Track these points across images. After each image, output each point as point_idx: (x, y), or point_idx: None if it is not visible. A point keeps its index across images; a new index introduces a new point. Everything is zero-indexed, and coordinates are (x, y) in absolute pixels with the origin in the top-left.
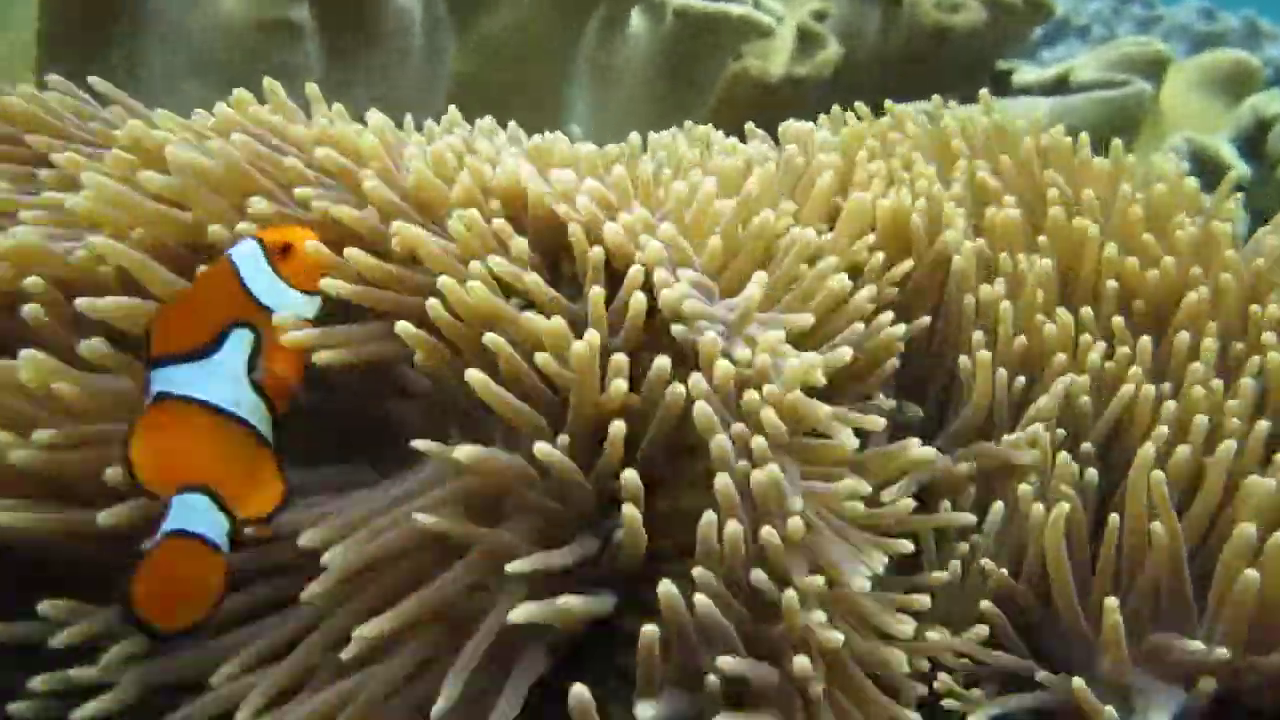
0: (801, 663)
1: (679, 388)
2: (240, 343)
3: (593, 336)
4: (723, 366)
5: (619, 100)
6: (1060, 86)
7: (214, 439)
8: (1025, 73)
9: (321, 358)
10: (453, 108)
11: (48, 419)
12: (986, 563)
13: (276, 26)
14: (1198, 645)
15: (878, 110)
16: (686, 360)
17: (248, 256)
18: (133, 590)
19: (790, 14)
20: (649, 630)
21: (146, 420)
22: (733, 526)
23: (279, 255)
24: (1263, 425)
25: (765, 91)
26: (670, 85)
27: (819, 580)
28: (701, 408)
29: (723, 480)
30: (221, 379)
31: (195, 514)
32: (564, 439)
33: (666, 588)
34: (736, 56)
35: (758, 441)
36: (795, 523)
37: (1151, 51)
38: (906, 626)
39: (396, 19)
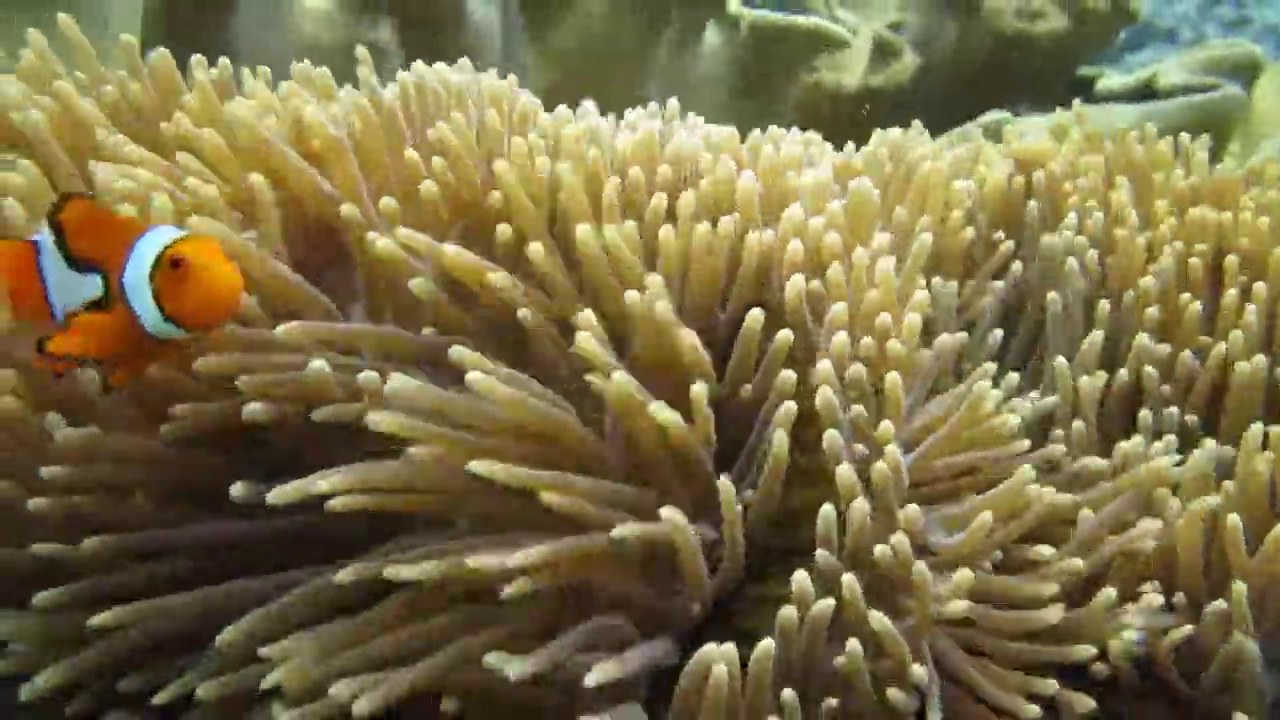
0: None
1: None
2: (88, 285)
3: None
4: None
5: (695, 111)
6: (1146, 92)
7: (26, 283)
8: (1109, 79)
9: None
10: None
11: None
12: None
13: (357, 44)
14: None
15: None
16: None
17: (151, 241)
18: None
19: (865, 25)
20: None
21: (14, 245)
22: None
23: (167, 265)
24: None
25: (841, 103)
26: (745, 98)
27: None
28: None
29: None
30: (66, 290)
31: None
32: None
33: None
34: (811, 69)
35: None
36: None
37: (1242, 53)
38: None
39: (476, 37)
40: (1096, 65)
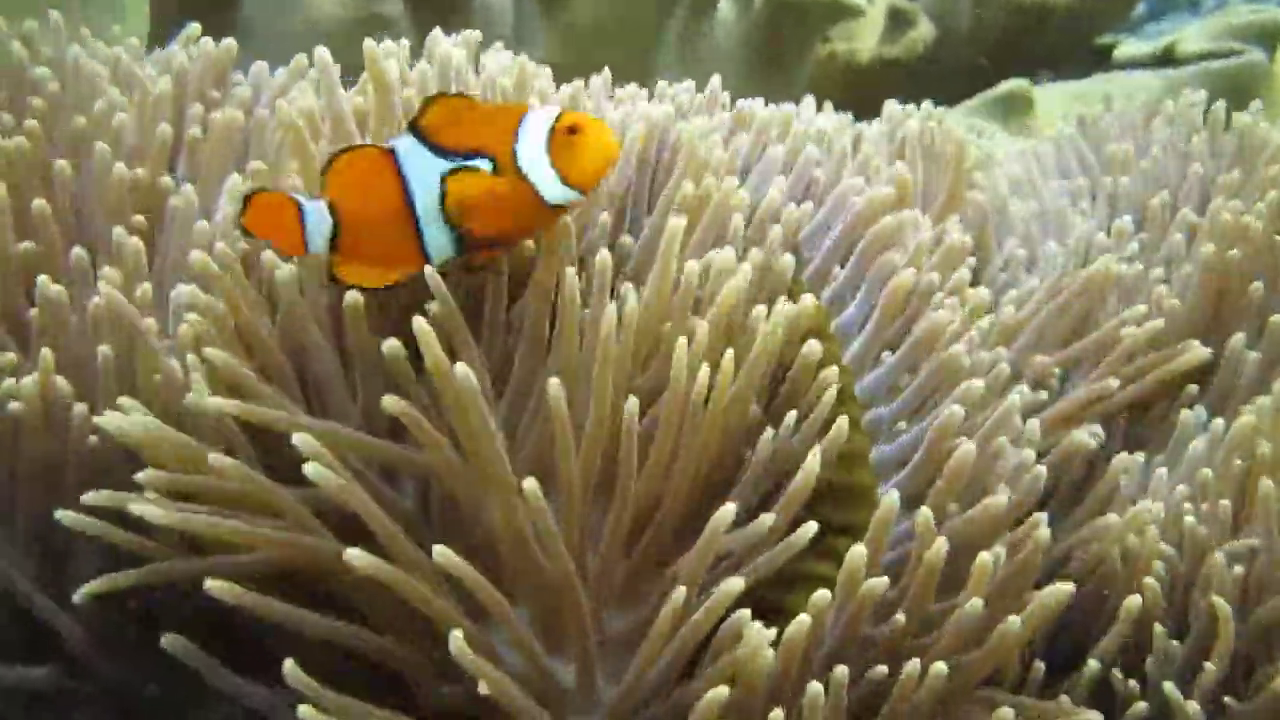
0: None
1: None
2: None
3: None
4: None
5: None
6: (1167, 60)
7: (388, 216)
8: (1129, 47)
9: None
10: None
11: None
12: None
13: (369, 22)
14: None
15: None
16: None
17: (539, 118)
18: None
19: None
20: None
21: (366, 150)
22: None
23: (564, 133)
24: None
25: (856, 73)
26: (760, 70)
27: None
28: None
29: None
30: (433, 174)
31: (314, 214)
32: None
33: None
34: (825, 40)
35: None
36: None
37: (1266, 18)
38: None
39: (486, 10)
40: (1116, 35)
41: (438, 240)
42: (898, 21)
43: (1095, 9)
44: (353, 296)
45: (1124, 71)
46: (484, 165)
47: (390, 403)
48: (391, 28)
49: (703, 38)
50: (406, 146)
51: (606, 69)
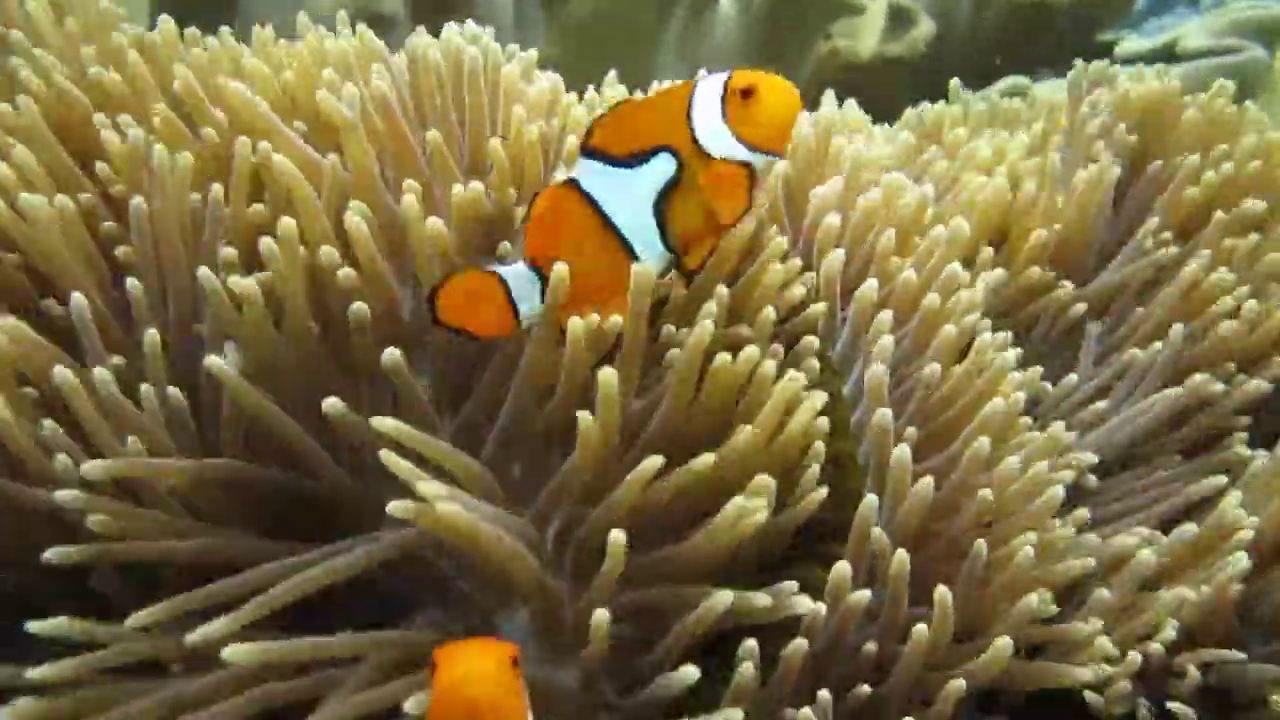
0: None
1: None
2: (658, 170)
3: None
4: None
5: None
6: (1167, 56)
7: (584, 238)
8: (1129, 43)
9: None
10: None
11: None
12: None
13: (369, 20)
14: None
15: (975, 86)
16: None
17: (707, 92)
18: (438, 290)
19: None
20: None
21: (549, 193)
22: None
23: (737, 98)
24: None
25: (857, 71)
26: (761, 66)
27: None
28: None
29: None
30: (627, 195)
31: (517, 278)
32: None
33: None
34: (826, 36)
35: None
36: None
37: (1266, 15)
38: None
39: (487, 7)
40: (1118, 32)
41: (653, 249)
42: (899, 19)
43: (1096, 5)
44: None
45: (1125, 68)
46: (667, 162)
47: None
48: (391, 26)
49: (703, 34)
50: (587, 172)
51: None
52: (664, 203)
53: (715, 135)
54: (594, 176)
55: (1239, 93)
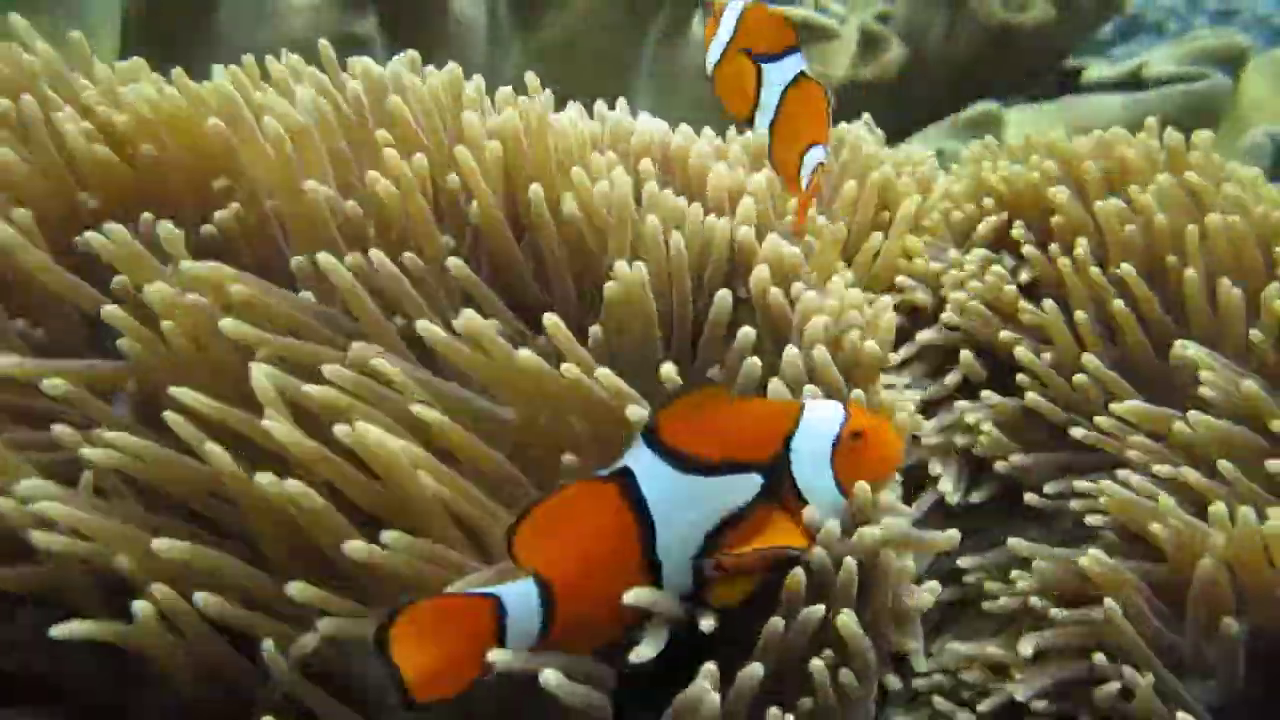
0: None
1: None
2: (741, 488)
3: None
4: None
5: (682, 106)
6: (1133, 82)
7: (613, 569)
8: (1096, 70)
9: None
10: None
11: None
12: None
13: (343, 40)
14: None
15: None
16: None
17: (822, 420)
18: (405, 609)
19: (853, 16)
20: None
21: (583, 487)
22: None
23: (849, 440)
24: None
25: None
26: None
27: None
28: None
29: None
30: (688, 508)
31: (521, 603)
32: None
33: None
34: None
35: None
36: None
37: (1229, 43)
38: None
39: (460, 31)
40: (1086, 57)
41: (676, 586)
42: (870, 44)
43: (1064, 30)
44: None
45: (1092, 94)
46: (751, 482)
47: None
48: (365, 46)
49: (676, 56)
50: (647, 468)
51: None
52: (721, 529)
53: (816, 477)
54: (654, 480)
55: (1202, 119)
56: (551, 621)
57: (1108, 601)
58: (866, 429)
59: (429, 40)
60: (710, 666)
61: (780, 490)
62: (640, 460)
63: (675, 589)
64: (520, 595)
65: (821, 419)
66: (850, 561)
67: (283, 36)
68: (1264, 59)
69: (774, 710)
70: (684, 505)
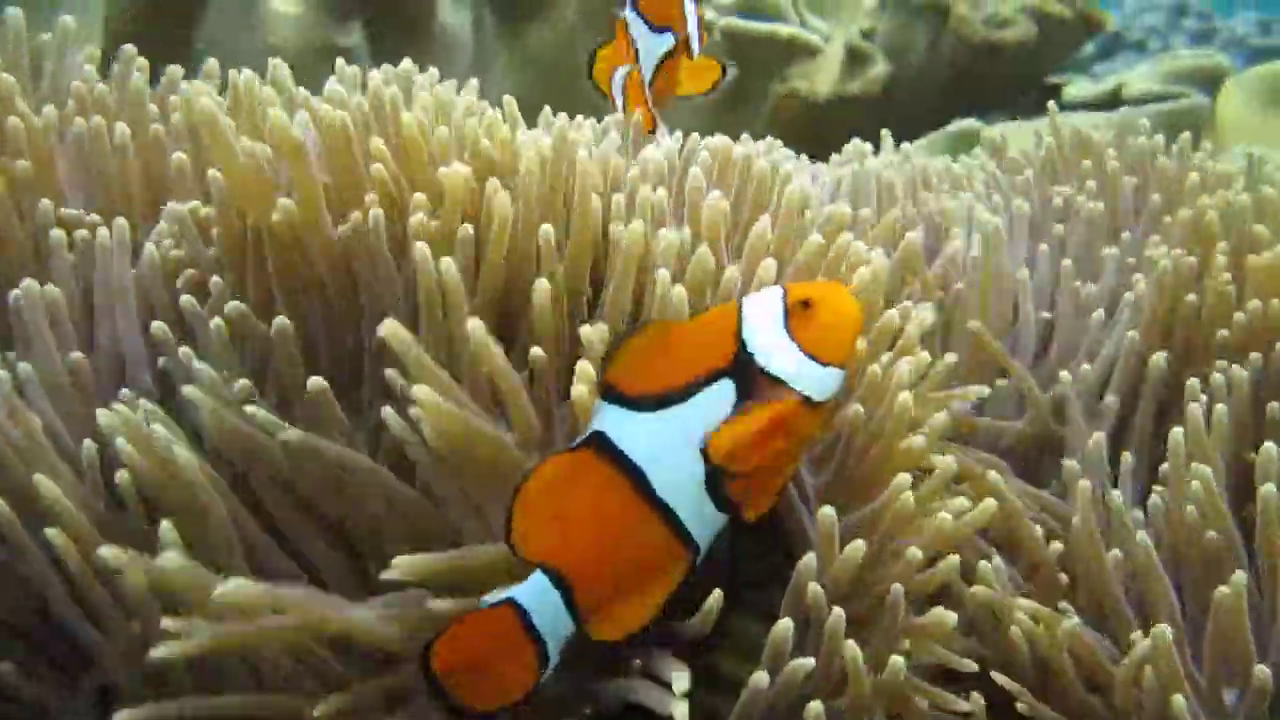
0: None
1: None
2: (715, 400)
3: None
4: None
5: (667, 119)
6: (1113, 100)
7: (620, 527)
8: (1077, 87)
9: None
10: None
11: None
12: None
13: (328, 51)
14: None
15: (929, 126)
16: None
17: (762, 306)
18: (435, 648)
19: (837, 32)
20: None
21: (558, 464)
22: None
23: (799, 310)
24: None
25: (814, 110)
26: (720, 104)
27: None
28: None
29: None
30: (673, 441)
31: (539, 599)
32: None
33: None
34: (784, 76)
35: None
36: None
37: (1208, 63)
38: None
39: (444, 40)
40: (1067, 74)
41: (700, 516)
42: (855, 61)
43: (1046, 48)
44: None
45: (1073, 111)
46: (725, 390)
47: None
48: (349, 58)
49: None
50: (615, 423)
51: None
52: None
53: (782, 355)
54: (625, 430)
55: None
56: (578, 608)
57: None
58: (811, 295)
59: (415, 50)
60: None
61: (754, 386)
62: (605, 419)
63: (704, 522)
64: (536, 592)
65: (761, 302)
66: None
67: (268, 45)
68: (1241, 78)
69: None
70: (669, 442)
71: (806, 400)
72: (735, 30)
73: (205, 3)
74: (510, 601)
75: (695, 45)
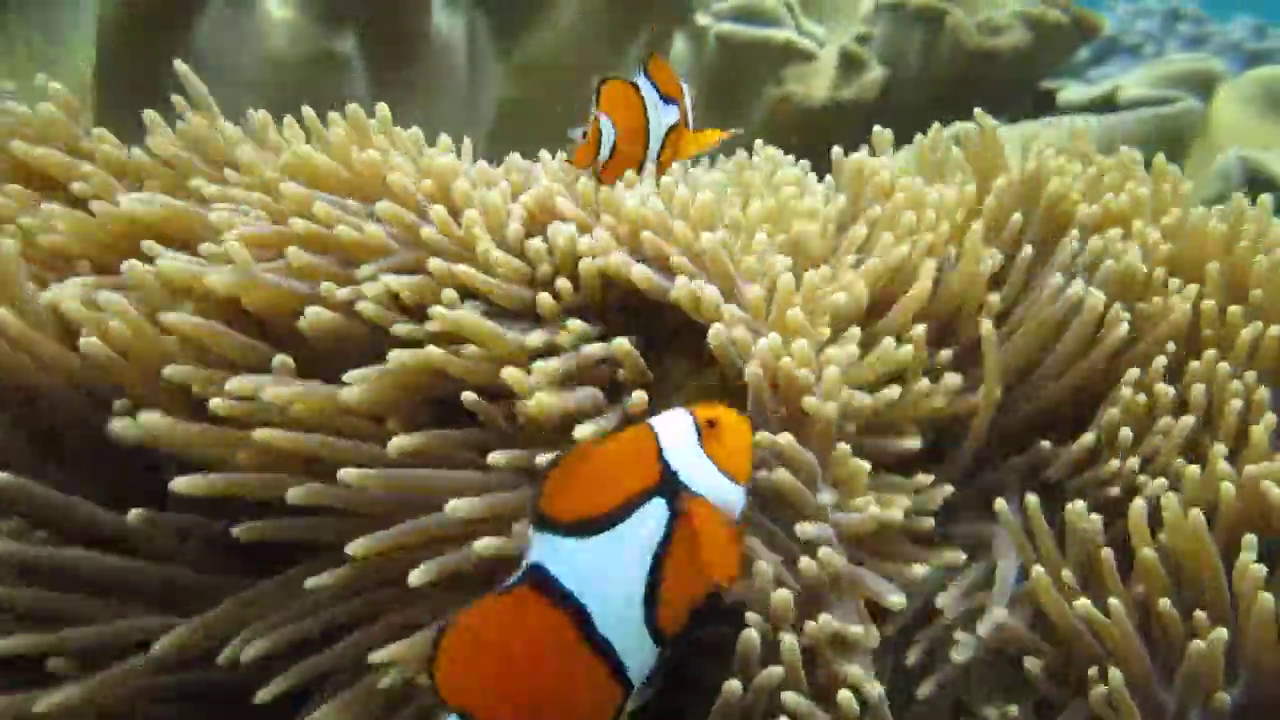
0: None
1: None
2: (650, 519)
3: None
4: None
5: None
6: (1107, 105)
7: (554, 672)
8: (1071, 91)
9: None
10: None
11: None
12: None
13: (322, 59)
14: None
15: (923, 131)
16: None
17: (673, 422)
18: None
19: (832, 38)
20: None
21: (496, 603)
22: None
23: (709, 430)
24: None
25: (809, 115)
26: (714, 111)
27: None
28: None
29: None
30: (614, 566)
31: None
32: None
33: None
34: (779, 81)
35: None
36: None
37: (1202, 67)
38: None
39: (439, 47)
40: (1062, 79)
41: (638, 650)
42: (849, 66)
43: (1040, 53)
44: None
45: (1067, 116)
46: (658, 509)
47: None
48: (344, 66)
49: None
50: (552, 552)
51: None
52: (656, 568)
53: (702, 470)
54: (564, 556)
55: (1172, 143)
56: None
57: (1114, 672)
58: (715, 416)
59: (409, 59)
60: None
61: (682, 504)
62: (542, 549)
63: (641, 657)
64: None
65: (671, 423)
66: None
67: (261, 52)
68: (1237, 82)
69: None
70: (608, 568)
71: (728, 518)
72: (730, 36)
73: (198, 8)
74: None
75: (691, 122)
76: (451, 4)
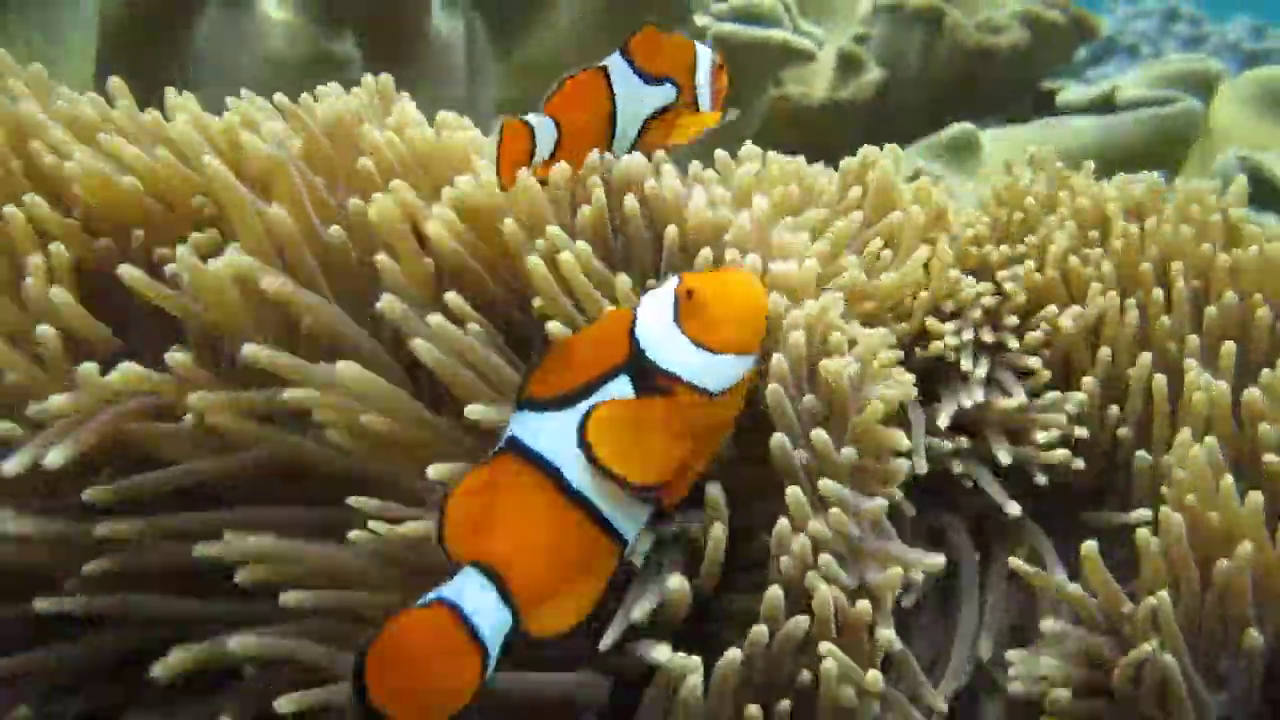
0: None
1: None
2: (613, 395)
3: None
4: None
5: None
6: (1105, 105)
7: (543, 522)
8: (1070, 92)
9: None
10: None
11: None
12: None
13: (322, 59)
14: None
15: (923, 131)
16: None
17: (654, 299)
18: (368, 654)
19: (831, 38)
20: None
21: (480, 471)
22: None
23: (686, 300)
24: None
25: (808, 114)
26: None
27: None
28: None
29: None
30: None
31: (475, 596)
32: None
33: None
34: (777, 82)
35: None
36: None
37: (1200, 68)
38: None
39: (439, 48)
40: (1060, 79)
41: (620, 507)
42: (848, 66)
43: (1039, 53)
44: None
45: (1066, 116)
46: (622, 385)
47: None
48: (344, 67)
49: None
50: (524, 427)
51: None
52: None
53: (667, 343)
54: (538, 431)
55: (1172, 144)
56: (515, 604)
57: (1161, 595)
58: (694, 284)
59: (408, 60)
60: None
61: (651, 381)
62: (520, 424)
63: (625, 513)
64: (471, 589)
65: (654, 298)
66: None
67: (260, 52)
68: (1236, 83)
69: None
70: (569, 434)
71: (704, 392)
72: (728, 36)
73: (198, 8)
74: (444, 601)
75: (707, 101)
76: (451, 5)
